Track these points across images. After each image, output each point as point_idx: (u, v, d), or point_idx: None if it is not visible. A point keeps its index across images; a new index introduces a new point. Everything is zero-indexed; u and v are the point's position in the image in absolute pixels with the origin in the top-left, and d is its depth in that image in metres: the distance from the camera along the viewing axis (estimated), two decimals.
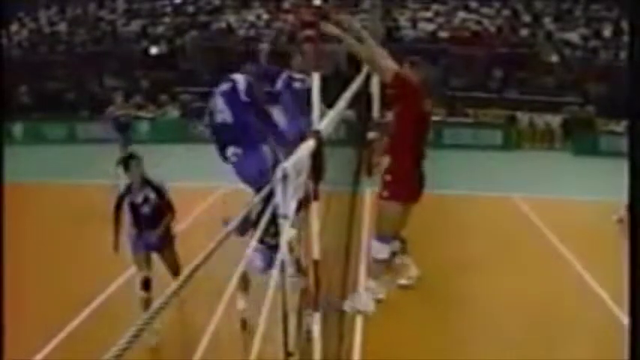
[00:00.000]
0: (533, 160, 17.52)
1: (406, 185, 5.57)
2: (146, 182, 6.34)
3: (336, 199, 6.88)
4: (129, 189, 6.32)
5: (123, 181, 6.54)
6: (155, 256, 6.44)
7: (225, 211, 6.28)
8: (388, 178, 5.60)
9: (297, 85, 6.62)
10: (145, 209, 6.29)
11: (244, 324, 5.93)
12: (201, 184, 11.42)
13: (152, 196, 6.30)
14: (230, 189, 6.48)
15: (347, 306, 5.71)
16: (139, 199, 6.28)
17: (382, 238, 5.64)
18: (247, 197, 5.25)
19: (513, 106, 20.49)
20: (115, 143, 13.28)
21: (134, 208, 6.26)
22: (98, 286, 7.20)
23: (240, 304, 6.00)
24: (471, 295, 7.25)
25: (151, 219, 6.30)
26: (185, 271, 1.99)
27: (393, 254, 6.11)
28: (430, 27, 23.56)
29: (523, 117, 20.17)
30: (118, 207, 6.27)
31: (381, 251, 5.64)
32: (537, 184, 13.22)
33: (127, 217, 6.27)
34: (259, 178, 4.82)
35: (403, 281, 6.96)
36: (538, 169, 15.82)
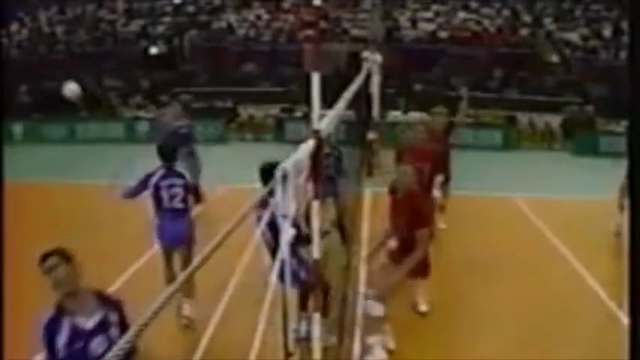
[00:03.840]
0: (533, 160, 17.49)
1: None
2: None
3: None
4: None
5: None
6: None
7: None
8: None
9: None
10: None
11: (189, 324, 6.27)
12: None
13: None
14: (227, 189, 6.47)
15: None
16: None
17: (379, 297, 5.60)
18: (244, 196, 5.19)
19: (513, 106, 20.47)
20: (114, 143, 13.18)
21: None
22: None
23: (186, 308, 6.29)
24: (470, 295, 7.26)
25: None
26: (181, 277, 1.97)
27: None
28: (430, 27, 23.56)
29: (523, 117, 20.15)
30: None
31: (376, 309, 5.58)
32: (537, 184, 13.21)
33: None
34: None
35: (423, 308, 6.74)
36: (538, 169, 15.80)
